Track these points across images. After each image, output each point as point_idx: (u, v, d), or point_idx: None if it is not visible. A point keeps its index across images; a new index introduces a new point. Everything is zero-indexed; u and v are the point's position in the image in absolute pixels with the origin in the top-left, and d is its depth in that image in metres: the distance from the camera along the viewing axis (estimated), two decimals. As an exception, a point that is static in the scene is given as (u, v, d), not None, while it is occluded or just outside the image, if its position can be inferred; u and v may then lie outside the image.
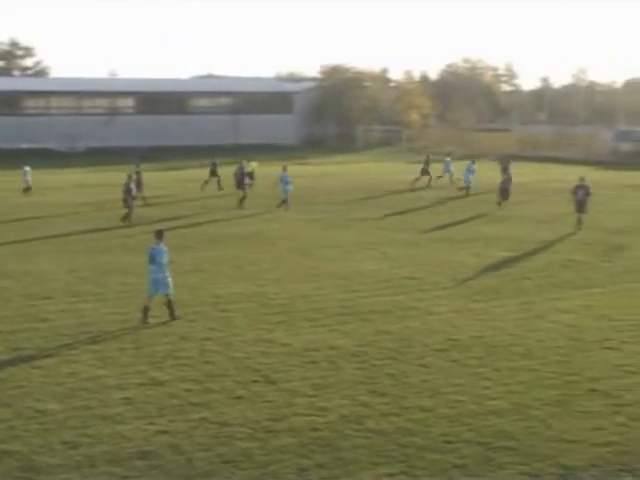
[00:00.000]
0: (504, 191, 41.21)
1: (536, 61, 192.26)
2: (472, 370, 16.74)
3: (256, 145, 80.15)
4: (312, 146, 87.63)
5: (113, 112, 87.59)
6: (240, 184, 42.06)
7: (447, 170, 52.97)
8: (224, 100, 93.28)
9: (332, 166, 69.19)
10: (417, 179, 51.58)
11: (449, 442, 13.26)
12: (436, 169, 52.81)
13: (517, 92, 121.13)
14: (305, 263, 27.56)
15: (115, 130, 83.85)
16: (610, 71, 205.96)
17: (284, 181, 40.87)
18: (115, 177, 56.70)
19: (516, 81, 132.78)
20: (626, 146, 78.56)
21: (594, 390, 15.59)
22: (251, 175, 47.83)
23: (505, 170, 49.16)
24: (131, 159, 65.24)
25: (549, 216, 38.55)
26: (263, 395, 15.31)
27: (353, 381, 16.07)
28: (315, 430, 13.70)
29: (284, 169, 41.30)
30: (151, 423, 13.97)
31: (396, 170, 65.60)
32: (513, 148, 78.71)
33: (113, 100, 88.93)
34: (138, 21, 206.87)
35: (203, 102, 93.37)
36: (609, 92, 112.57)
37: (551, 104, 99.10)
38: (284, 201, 40.53)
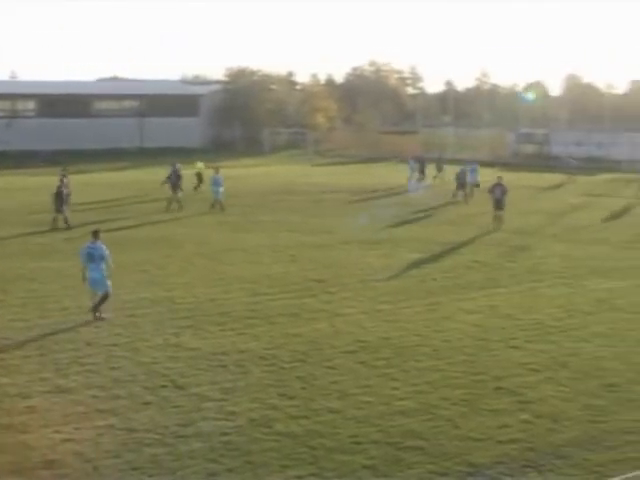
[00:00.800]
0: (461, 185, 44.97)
1: (440, 65, 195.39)
2: (380, 371, 16.86)
3: (162, 148, 79.34)
4: (219, 149, 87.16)
5: (14, 115, 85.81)
6: (176, 187, 42.13)
7: (412, 170, 54.86)
8: (129, 103, 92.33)
9: (240, 169, 68.85)
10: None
11: (358, 443, 13.33)
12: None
13: (422, 95, 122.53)
14: (212, 267, 27.42)
15: (16, 134, 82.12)
16: (512, 75, 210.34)
17: (216, 183, 41.25)
18: (17, 181, 55.71)
19: (421, 84, 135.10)
20: (527, 148, 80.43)
21: (500, 388, 15.85)
22: (200, 176, 48.35)
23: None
24: (33, 163, 63.98)
25: (456, 217, 39.12)
26: (171, 400, 15.16)
27: (262, 384, 16.03)
28: (224, 434, 13.63)
29: (216, 171, 41.70)
30: (56, 431, 13.71)
31: (303, 173, 65.80)
32: (419, 150, 79.57)
33: (14, 103, 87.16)
34: (41, 21, 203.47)
35: (107, 105, 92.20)
36: (511, 95, 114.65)
37: (455, 107, 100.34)
38: (216, 203, 41.08)
